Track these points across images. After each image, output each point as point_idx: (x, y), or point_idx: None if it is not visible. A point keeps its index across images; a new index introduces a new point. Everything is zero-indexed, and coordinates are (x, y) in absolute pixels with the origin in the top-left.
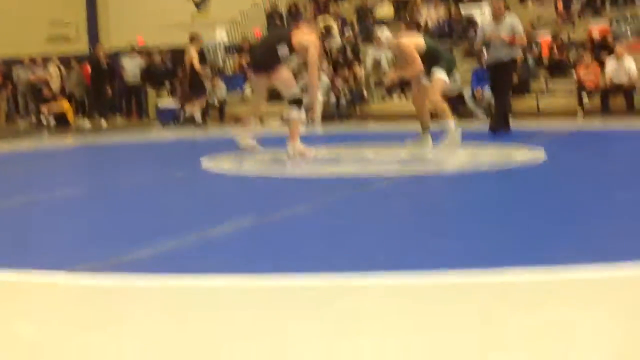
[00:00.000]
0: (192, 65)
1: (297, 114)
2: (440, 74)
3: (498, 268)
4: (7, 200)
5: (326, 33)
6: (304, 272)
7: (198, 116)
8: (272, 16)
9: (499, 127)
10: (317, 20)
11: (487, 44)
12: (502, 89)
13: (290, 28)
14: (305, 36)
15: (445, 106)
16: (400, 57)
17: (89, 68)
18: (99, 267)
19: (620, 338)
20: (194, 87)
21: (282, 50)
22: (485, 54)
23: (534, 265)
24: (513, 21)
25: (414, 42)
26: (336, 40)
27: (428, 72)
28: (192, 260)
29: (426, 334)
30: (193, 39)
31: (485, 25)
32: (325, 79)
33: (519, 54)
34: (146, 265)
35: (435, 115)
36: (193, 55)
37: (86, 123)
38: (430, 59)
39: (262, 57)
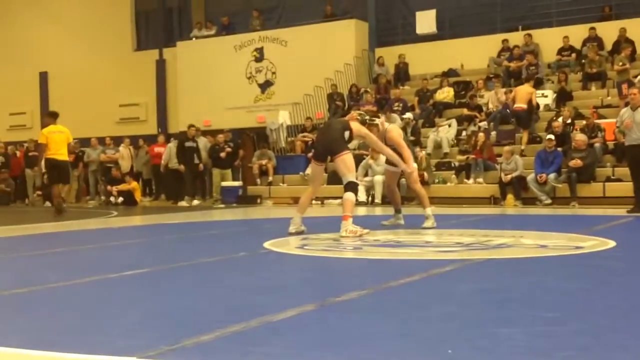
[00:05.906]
0: None
1: (351, 195)
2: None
3: None
4: (75, 279)
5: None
6: None
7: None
8: (332, 97)
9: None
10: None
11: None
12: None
13: (344, 117)
14: (358, 126)
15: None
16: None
17: (154, 148)
18: (166, 352)
19: None
20: None
21: (346, 135)
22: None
23: None
24: None
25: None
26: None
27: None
28: (256, 346)
29: None
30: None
31: (623, 112)
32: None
33: None
34: (210, 351)
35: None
36: None
37: (185, 202)
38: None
39: (330, 143)
